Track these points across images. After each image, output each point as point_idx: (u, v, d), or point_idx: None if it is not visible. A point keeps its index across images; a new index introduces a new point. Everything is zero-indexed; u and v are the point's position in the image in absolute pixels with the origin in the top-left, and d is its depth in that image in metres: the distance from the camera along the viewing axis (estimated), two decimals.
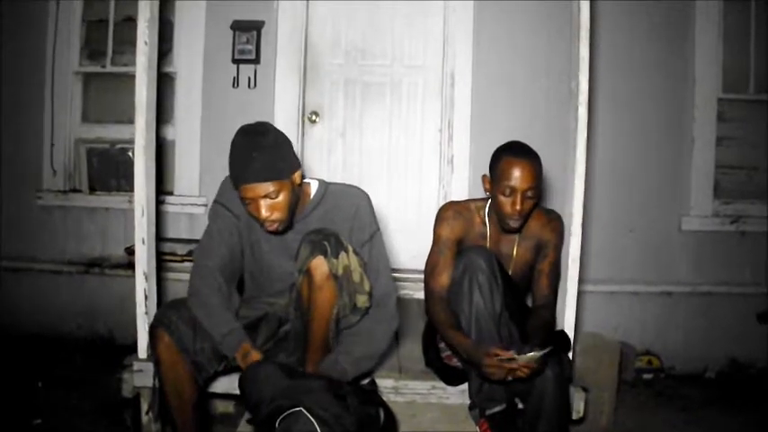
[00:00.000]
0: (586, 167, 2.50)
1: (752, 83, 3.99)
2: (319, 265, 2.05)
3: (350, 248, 2.11)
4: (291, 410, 1.85)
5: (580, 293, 2.54)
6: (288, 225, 2.18)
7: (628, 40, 3.89)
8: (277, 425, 1.87)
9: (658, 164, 3.95)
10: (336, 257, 2.05)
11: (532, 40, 3.89)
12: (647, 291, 3.92)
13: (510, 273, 2.39)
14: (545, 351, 2.02)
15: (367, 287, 2.15)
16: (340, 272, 2.07)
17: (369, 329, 2.21)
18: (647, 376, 3.67)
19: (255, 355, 2.11)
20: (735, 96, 3.99)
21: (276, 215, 2.09)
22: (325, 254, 2.05)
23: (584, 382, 2.56)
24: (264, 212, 2.07)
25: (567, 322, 2.46)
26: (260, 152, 2.03)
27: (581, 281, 2.54)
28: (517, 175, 2.22)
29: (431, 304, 2.32)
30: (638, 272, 3.94)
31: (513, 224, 2.29)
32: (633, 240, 3.94)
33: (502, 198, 2.26)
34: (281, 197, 2.07)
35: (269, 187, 2.05)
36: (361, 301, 2.14)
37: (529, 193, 2.24)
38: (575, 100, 2.49)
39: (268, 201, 2.06)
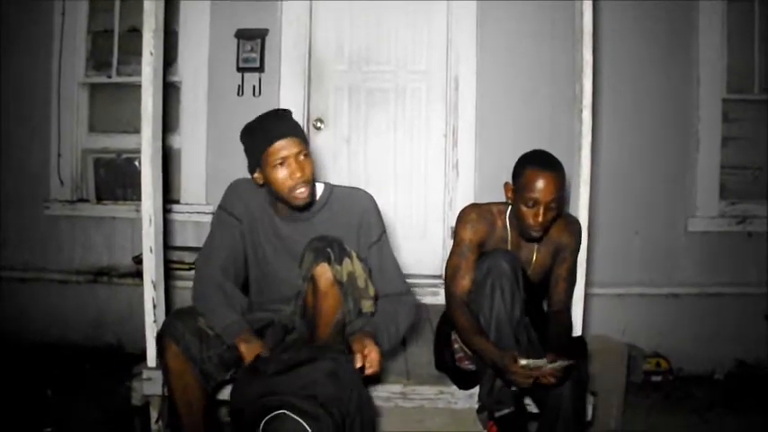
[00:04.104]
0: (591, 171, 2.50)
1: (756, 83, 3.99)
2: (324, 272, 2.06)
3: (353, 255, 2.12)
4: (275, 413, 1.81)
5: (587, 296, 2.54)
6: (311, 200, 2.22)
7: (631, 42, 3.89)
8: (260, 429, 1.82)
9: (663, 165, 3.95)
10: (340, 264, 2.06)
11: (536, 45, 3.89)
12: (653, 293, 3.92)
13: (528, 276, 2.39)
14: (570, 362, 2.03)
15: (372, 292, 2.16)
16: (344, 278, 2.07)
17: (394, 311, 2.25)
18: (655, 378, 3.66)
19: (256, 342, 2.13)
20: (739, 96, 3.98)
21: (307, 172, 2.15)
22: (328, 260, 2.05)
23: (592, 385, 2.55)
24: (298, 171, 2.12)
25: (574, 325, 2.46)
26: (289, 118, 2.21)
27: (587, 284, 2.54)
28: (541, 187, 2.19)
29: (453, 308, 2.30)
30: (645, 274, 3.94)
31: (535, 234, 2.28)
32: (639, 242, 3.94)
33: (524, 209, 2.24)
34: (308, 160, 2.17)
35: (302, 145, 2.16)
36: (367, 306, 2.15)
37: (552, 205, 2.22)
38: (579, 104, 2.50)
39: (300, 158, 2.14)
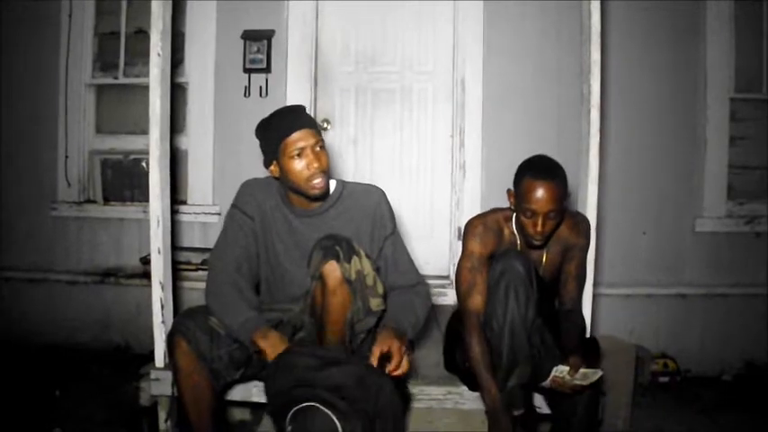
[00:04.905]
0: (599, 171, 2.49)
1: (764, 82, 3.97)
2: (332, 270, 2.06)
3: (362, 253, 2.12)
4: (305, 404, 1.82)
5: (594, 297, 2.54)
6: (326, 191, 2.25)
7: (639, 42, 3.88)
8: (288, 418, 1.82)
9: (671, 165, 3.93)
10: (349, 262, 2.07)
11: (543, 45, 3.89)
12: (661, 293, 3.90)
13: (540, 276, 2.38)
14: (600, 372, 2.07)
15: (380, 290, 2.16)
16: (353, 276, 2.08)
17: (410, 300, 2.27)
18: (663, 379, 3.65)
19: (275, 337, 2.12)
20: (747, 96, 3.96)
21: (323, 163, 2.20)
22: (337, 258, 2.06)
23: (600, 386, 2.55)
24: (315, 161, 2.17)
25: None
26: (304, 112, 2.27)
27: (595, 284, 2.53)
28: (538, 198, 2.17)
29: (468, 329, 2.26)
30: (653, 274, 3.93)
31: (536, 243, 2.27)
32: (647, 243, 3.92)
33: (523, 218, 2.24)
34: (324, 152, 2.22)
35: (317, 136, 2.22)
36: (375, 303, 2.14)
37: (551, 215, 2.20)
38: (586, 104, 2.49)
39: (316, 149, 2.19)
